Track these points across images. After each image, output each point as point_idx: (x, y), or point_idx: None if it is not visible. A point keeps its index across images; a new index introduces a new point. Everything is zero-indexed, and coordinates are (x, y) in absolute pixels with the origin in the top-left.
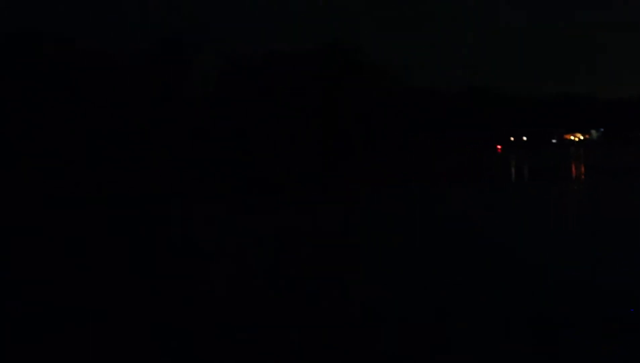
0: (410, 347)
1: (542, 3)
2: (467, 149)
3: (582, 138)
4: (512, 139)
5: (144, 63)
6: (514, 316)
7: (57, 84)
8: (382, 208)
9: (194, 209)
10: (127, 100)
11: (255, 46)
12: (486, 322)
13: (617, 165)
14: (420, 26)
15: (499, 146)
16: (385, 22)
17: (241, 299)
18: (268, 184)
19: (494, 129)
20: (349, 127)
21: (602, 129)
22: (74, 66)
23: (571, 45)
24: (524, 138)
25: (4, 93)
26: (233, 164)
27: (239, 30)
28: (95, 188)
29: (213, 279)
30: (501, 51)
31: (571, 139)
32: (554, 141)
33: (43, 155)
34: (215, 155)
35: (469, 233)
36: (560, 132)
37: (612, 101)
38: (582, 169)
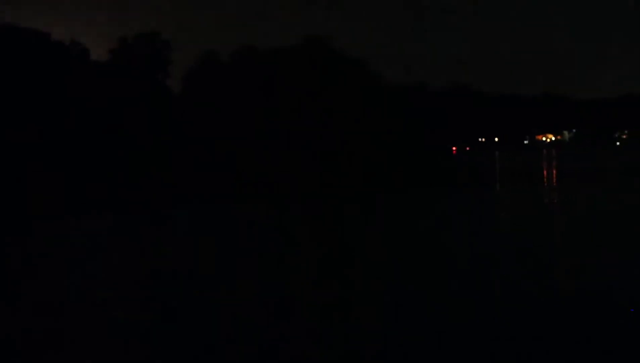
0: None
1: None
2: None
3: (553, 138)
4: (482, 140)
5: (119, 58)
6: None
7: (31, 79)
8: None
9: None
10: (100, 96)
11: (227, 42)
12: None
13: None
14: (397, 23)
15: (454, 148)
16: (356, 16)
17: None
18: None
19: (467, 129)
20: (331, 126)
21: (574, 131)
22: (50, 60)
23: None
24: (496, 139)
25: None
26: (202, 165)
27: (209, 26)
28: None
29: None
30: (481, 49)
31: (543, 140)
32: (525, 141)
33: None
34: (186, 156)
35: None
36: (533, 133)
37: (588, 102)
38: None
